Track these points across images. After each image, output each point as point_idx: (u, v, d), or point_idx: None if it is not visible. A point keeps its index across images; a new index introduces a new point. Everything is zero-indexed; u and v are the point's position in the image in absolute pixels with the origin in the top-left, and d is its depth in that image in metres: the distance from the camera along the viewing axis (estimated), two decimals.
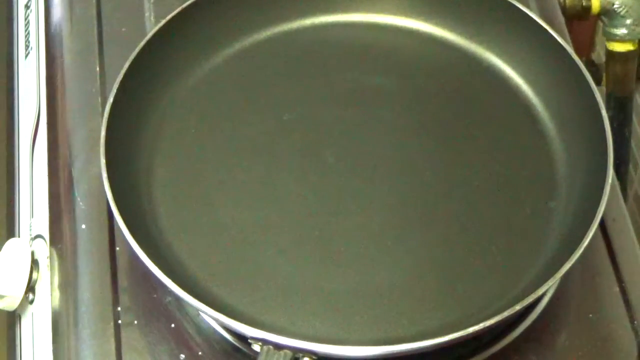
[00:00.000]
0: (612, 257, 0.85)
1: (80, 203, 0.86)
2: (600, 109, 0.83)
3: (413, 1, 0.93)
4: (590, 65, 1.16)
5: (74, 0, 0.98)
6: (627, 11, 1.05)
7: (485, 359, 0.80)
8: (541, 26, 0.88)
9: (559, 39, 0.87)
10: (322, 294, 0.79)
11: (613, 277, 0.84)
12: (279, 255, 0.81)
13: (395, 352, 0.73)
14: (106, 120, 0.82)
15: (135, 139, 0.85)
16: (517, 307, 0.74)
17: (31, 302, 0.87)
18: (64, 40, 0.96)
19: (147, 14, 0.96)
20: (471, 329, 0.73)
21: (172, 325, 0.81)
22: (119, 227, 0.77)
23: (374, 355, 0.73)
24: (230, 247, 0.81)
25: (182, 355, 0.80)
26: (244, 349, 0.80)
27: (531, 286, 0.77)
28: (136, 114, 0.86)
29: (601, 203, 0.77)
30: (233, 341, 0.80)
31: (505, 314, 0.73)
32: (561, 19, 1.00)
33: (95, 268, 0.84)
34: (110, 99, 0.83)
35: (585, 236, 0.76)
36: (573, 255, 0.75)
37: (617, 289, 0.84)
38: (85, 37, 0.96)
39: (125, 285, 0.83)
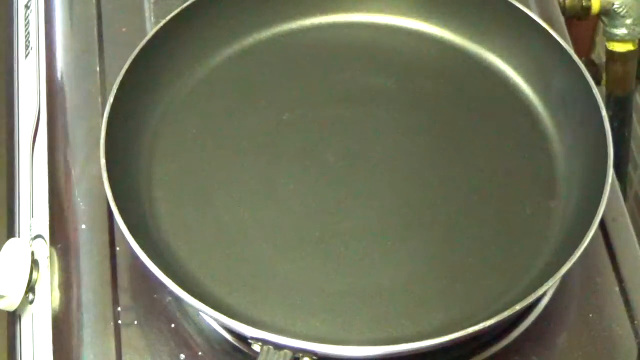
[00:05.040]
0: (612, 257, 0.85)
1: (80, 203, 0.86)
2: (600, 109, 0.83)
3: (413, 1, 0.93)
4: (590, 65, 1.16)
5: (74, 0, 0.98)
6: (627, 11, 1.05)
7: (485, 359, 0.80)
8: (541, 26, 0.88)
9: (559, 39, 0.87)
10: (322, 294, 0.79)
11: (613, 277, 0.84)
12: (279, 255, 0.81)
13: (395, 352, 0.73)
14: (106, 120, 0.82)
15: (135, 139, 0.85)
16: (517, 307, 0.74)
17: (31, 302, 0.87)
18: (64, 40, 0.96)
19: (147, 14, 0.96)
20: (471, 329, 0.73)
21: (172, 325, 0.81)
22: (119, 227, 0.77)
23: (374, 355, 0.73)
24: (230, 247, 0.81)
25: (182, 355, 0.80)
26: (244, 349, 0.80)
27: (531, 286, 0.77)
28: (136, 114, 0.86)
29: (601, 203, 0.77)
30: (233, 341, 0.80)
31: (505, 314, 0.73)
32: (561, 19, 1.00)
33: (95, 268, 0.84)
34: (110, 99, 0.83)
35: (585, 236, 0.76)
36: (573, 255, 0.75)
37: (617, 289, 0.84)
38: (85, 37, 0.96)
39: (125, 285, 0.83)
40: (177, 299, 0.80)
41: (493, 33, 0.91)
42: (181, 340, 0.81)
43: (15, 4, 1.12)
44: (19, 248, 0.86)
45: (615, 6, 1.04)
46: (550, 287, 0.77)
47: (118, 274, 0.83)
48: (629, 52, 1.08)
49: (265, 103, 0.89)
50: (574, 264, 0.75)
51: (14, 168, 1.02)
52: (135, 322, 0.81)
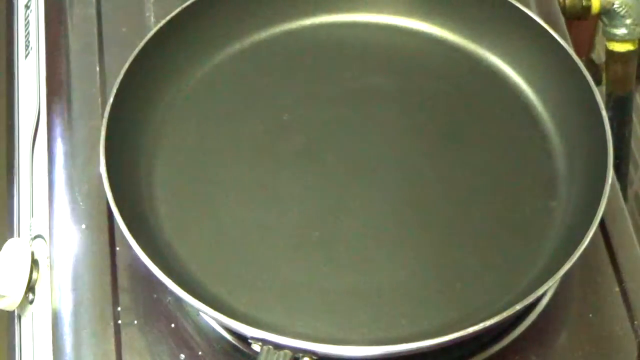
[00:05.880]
0: (612, 257, 0.85)
1: (80, 203, 0.86)
2: (600, 109, 0.83)
3: (413, 1, 0.93)
4: (590, 65, 1.16)
5: (74, 0, 0.98)
6: (627, 11, 1.04)
7: (485, 359, 0.80)
8: (541, 26, 0.88)
9: (559, 39, 0.87)
10: (322, 294, 0.79)
11: (613, 277, 0.84)
12: (279, 255, 0.81)
13: (395, 352, 0.73)
14: (106, 120, 0.82)
15: (135, 139, 0.85)
16: (517, 307, 0.74)
17: (31, 302, 0.87)
18: (64, 40, 0.96)
19: (147, 14, 0.96)
20: (471, 329, 0.73)
21: (172, 325, 0.81)
22: (119, 227, 0.77)
23: (374, 355, 0.73)
24: (230, 247, 0.81)
25: (182, 355, 0.80)
26: (244, 349, 0.80)
27: (531, 286, 0.77)
28: (136, 114, 0.86)
29: (601, 203, 0.77)
30: (233, 341, 0.80)
31: (505, 314, 0.73)
32: (561, 19, 1.00)
33: (95, 268, 0.84)
34: (110, 99, 0.83)
35: (585, 236, 0.76)
36: (573, 255, 0.75)
37: (617, 289, 0.84)
38: (85, 37, 0.96)
39: (125, 285, 0.83)
40: (177, 299, 0.80)
41: (493, 33, 0.91)
42: (181, 340, 0.81)
43: (15, 4, 1.12)
44: (19, 248, 0.86)
45: (615, 6, 1.04)
46: (550, 287, 0.77)
47: (118, 274, 0.83)
48: (629, 52, 1.08)
49: (265, 103, 0.89)
50: (574, 264, 0.75)
51: (14, 168, 1.02)
52: (135, 322, 0.81)
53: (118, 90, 0.83)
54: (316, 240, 0.82)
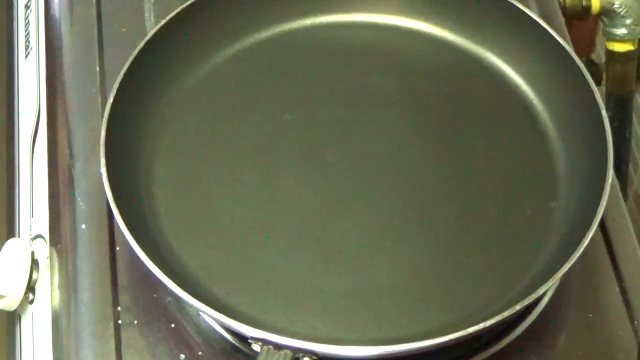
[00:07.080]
0: (612, 257, 0.85)
1: (80, 203, 0.86)
2: (600, 109, 0.83)
3: (413, 1, 0.93)
4: (590, 65, 1.16)
5: (74, 0, 0.98)
6: (627, 11, 1.05)
7: (485, 359, 0.80)
8: (541, 26, 0.88)
9: (559, 39, 0.87)
10: (322, 294, 0.79)
11: (613, 277, 0.84)
12: (279, 255, 0.81)
13: (395, 352, 0.73)
14: (106, 120, 0.82)
15: (135, 139, 0.85)
16: (517, 307, 0.74)
17: (31, 302, 0.87)
18: (64, 40, 0.96)
19: (147, 14, 0.96)
20: (471, 329, 0.73)
21: (172, 325, 0.81)
22: (119, 227, 0.77)
23: (374, 355, 0.73)
24: (230, 247, 0.81)
25: (182, 355, 0.80)
26: (244, 349, 0.80)
27: (531, 286, 0.77)
28: (136, 114, 0.86)
29: (601, 203, 0.77)
30: (233, 341, 0.80)
31: (505, 314, 0.73)
32: (561, 19, 1.00)
33: (95, 268, 0.84)
34: (110, 99, 0.83)
35: (585, 236, 0.76)
36: (573, 255, 0.75)
37: (617, 289, 0.84)
38: (85, 37, 0.96)
39: (125, 285, 0.83)
40: (177, 299, 0.80)
41: (493, 33, 0.91)
42: (181, 340, 0.81)
43: (15, 4, 1.12)
44: (19, 248, 0.86)
45: (615, 6, 1.04)
46: (550, 287, 0.77)
47: (118, 274, 0.83)
48: (629, 52, 1.08)
49: (265, 103, 0.89)
50: (574, 264, 0.75)
51: (14, 168, 1.02)
52: (135, 322, 0.81)
53: (118, 90, 0.83)
54: (316, 240, 0.82)
